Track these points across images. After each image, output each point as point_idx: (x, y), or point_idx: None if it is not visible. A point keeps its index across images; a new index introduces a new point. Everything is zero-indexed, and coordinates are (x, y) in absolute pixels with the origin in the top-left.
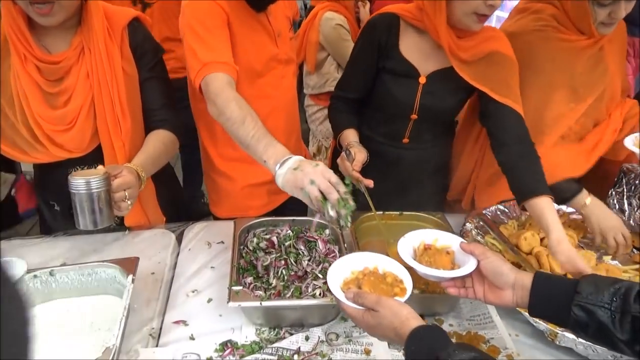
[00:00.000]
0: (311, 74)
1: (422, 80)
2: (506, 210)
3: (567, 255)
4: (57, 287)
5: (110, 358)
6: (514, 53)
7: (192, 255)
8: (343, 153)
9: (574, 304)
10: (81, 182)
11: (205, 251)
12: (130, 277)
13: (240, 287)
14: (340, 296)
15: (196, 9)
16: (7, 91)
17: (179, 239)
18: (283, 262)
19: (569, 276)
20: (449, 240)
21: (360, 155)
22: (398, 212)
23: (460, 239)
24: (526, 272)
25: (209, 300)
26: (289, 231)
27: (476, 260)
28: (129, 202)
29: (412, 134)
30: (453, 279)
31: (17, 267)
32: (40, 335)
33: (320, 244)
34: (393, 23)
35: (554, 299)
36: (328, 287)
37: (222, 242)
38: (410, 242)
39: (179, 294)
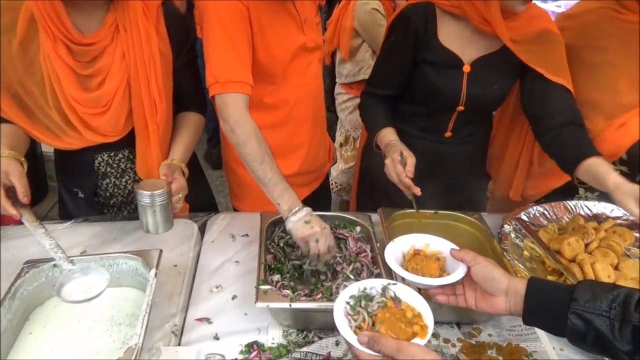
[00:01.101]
0: (345, 62)
1: (467, 68)
2: (545, 212)
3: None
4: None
5: (133, 358)
6: (572, 33)
7: (216, 248)
8: (394, 156)
9: (571, 311)
10: (147, 195)
11: (229, 244)
12: (154, 271)
13: (269, 287)
14: (352, 340)
15: (218, 9)
16: (36, 74)
17: (201, 230)
18: None
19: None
20: (441, 246)
21: (411, 159)
22: (433, 211)
23: (452, 245)
24: (520, 278)
25: (234, 297)
26: None
27: (466, 266)
28: (181, 202)
29: (455, 127)
30: (441, 286)
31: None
32: (59, 327)
33: (350, 242)
34: (428, 12)
35: (550, 307)
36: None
37: (247, 235)
38: (399, 247)
39: (202, 289)
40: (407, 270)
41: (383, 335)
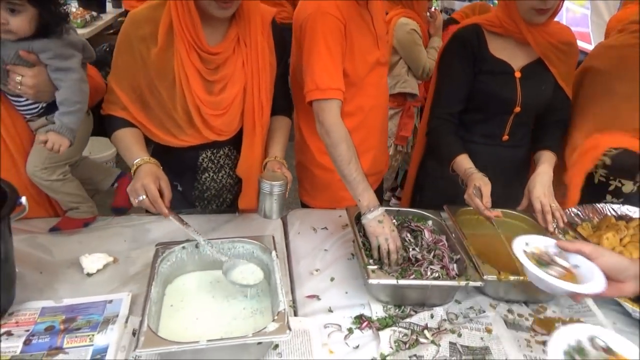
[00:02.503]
0: None
1: (518, 74)
2: (579, 212)
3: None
4: (199, 259)
5: (285, 322)
6: (608, 63)
7: (303, 238)
8: (469, 192)
9: None
10: (267, 186)
11: (312, 235)
12: (274, 253)
13: (376, 266)
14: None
15: (322, 23)
16: (168, 78)
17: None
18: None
19: None
20: (544, 242)
21: (486, 188)
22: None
23: (554, 240)
24: None
25: (332, 279)
26: (394, 220)
27: (601, 273)
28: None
29: (511, 130)
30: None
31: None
32: (195, 300)
33: (426, 233)
34: (478, 31)
35: None
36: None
37: (326, 228)
38: (519, 246)
39: (302, 272)
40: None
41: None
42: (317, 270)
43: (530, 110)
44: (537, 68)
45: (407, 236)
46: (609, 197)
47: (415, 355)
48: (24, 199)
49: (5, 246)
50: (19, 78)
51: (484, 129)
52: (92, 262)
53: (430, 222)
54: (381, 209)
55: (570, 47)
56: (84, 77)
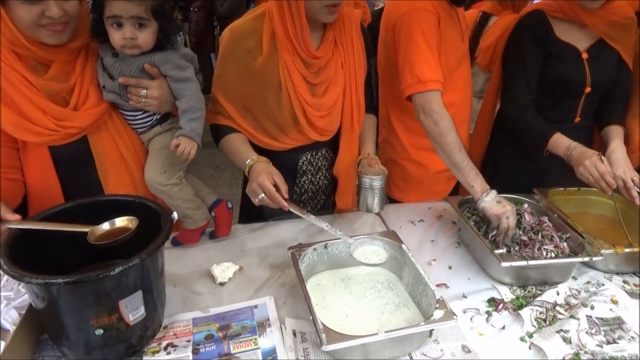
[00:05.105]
0: None
1: (585, 55)
2: None
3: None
4: (327, 259)
5: (448, 308)
6: None
7: (406, 232)
8: (596, 158)
9: None
10: (368, 180)
11: (414, 228)
12: (404, 245)
13: (503, 250)
14: None
15: (418, 18)
16: (274, 83)
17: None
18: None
19: None
20: None
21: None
22: (576, 188)
23: None
24: None
25: (450, 267)
26: None
27: None
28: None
29: (583, 112)
30: None
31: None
32: (337, 298)
33: (526, 216)
34: (541, 17)
35: None
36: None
37: (422, 221)
38: None
39: (419, 262)
40: None
41: None
42: (434, 260)
43: (599, 89)
44: (602, 47)
45: None
46: None
47: (561, 329)
48: (175, 214)
49: (162, 260)
50: (144, 91)
51: (553, 114)
52: (223, 271)
53: (525, 205)
54: (494, 191)
55: (630, 20)
56: (199, 85)
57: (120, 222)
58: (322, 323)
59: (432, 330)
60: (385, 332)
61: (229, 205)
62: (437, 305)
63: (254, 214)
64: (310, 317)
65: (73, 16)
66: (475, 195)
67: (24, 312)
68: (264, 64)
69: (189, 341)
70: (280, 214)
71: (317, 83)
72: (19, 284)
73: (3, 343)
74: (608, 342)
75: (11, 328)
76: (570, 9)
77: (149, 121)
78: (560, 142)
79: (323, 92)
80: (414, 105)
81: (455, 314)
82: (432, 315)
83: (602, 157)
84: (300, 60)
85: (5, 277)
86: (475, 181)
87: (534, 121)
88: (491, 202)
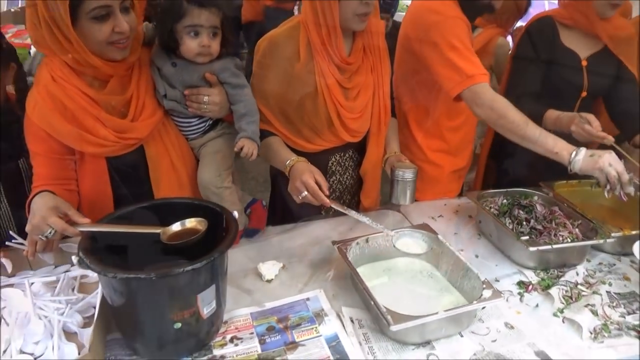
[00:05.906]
0: None
1: (584, 63)
2: None
3: None
4: (368, 252)
5: (495, 288)
6: None
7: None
8: (579, 120)
9: None
10: (400, 173)
11: (435, 223)
12: (440, 236)
13: (527, 237)
14: None
15: (452, 27)
16: (310, 88)
17: None
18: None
19: None
20: None
21: (593, 117)
22: (577, 181)
23: None
24: None
25: (477, 256)
26: (504, 200)
27: None
28: None
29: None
30: None
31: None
32: (385, 286)
33: (538, 207)
34: (550, 22)
35: None
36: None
37: (442, 216)
38: None
39: None
40: None
41: None
42: (462, 250)
43: (596, 93)
44: (602, 57)
45: (519, 213)
46: None
47: (588, 304)
48: (236, 213)
49: (227, 260)
50: (206, 98)
51: None
52: (269, 268)
53: (536, 197)
54: (582, 148)
55: (633, 35)
56: (251, 90)
57: (189, 223)
58: (385, 306)
59: (477, 311)
60: (445, 310)
61: (264, 203)
62: (484, 286)
63: (284, 216)
64: (371, 302)
65: (135, 30)
66: (563, 160)
67: (86, 315)
68: (301, 69)
69: (252, 334)
70: (309, 215)
71: (350, 87)
72: (74, 289)
73: (73, 345)
74: (628, 313)
75: (77, 330)
76: (583, 17)
77: (201, 128)
78: (552, 114)
79: (355, 96)
80: (465, 102)
81: (502, 292)
82: (481, 295)
83: (588, 118)
84: (334, 65)
85: (60, 281)
86: (557, 146)
87: (527, 106)
88: (584, 159)
